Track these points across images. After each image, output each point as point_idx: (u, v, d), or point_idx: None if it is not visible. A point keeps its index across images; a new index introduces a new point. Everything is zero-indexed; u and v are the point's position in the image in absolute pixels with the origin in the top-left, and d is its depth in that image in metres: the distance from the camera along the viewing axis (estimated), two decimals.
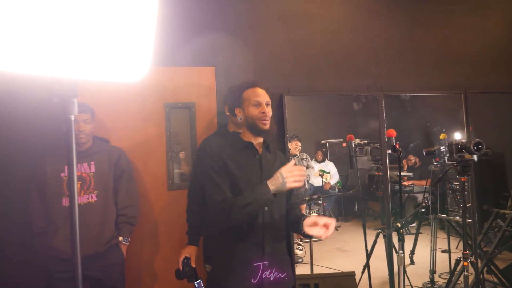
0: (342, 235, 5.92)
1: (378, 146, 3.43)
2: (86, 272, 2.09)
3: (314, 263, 3.68)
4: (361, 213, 5.79)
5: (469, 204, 3.39)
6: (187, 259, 2.26)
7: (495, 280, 3.77)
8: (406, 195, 6.01)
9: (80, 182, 2.15)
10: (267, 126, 1.80)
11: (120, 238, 2.30)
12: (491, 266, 3.74)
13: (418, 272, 4.18)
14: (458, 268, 3.16)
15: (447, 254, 3.91)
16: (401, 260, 2.46)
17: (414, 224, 5.23)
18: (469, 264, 2.47)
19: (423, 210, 4.26)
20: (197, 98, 2.78)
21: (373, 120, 3.18)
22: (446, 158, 3.65)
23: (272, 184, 1.66)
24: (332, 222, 1.69)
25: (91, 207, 2.18)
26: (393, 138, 2.83)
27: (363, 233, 3.35)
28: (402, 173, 6.29)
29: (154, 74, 2.68)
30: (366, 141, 6.32)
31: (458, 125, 3.44)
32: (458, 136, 4.16)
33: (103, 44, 0.99)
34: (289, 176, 1.63)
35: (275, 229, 1.81)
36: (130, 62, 1.07)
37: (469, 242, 3.13)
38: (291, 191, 1.93)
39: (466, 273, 2.47)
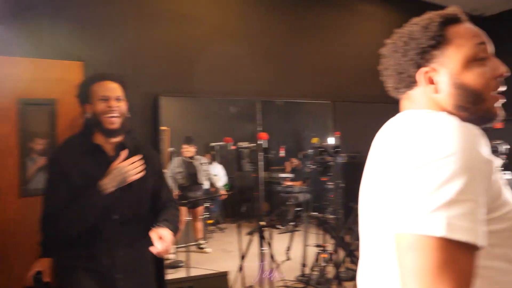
0: (228, 237, 6.02)
1: (255, 149, 3.58)
2: None
3: (198, 266, 3.66)
4: (246, 214, 5.97)
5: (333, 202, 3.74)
6: (38, 273, 2.03)
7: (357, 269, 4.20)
8: (287, 195, 6.39)
9: None
10: (115, 125, 1.60)
11: None
12: (353, 257, 4.17)
13: (293, 266, 4.44)
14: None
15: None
16: (264, 255, 2.58)
17: (294, 223, 5.58)
18: (329, 256, 2.70)
19: (298, 209, 4.56)
20: (61, 95, 2.54)
21: (249, 124, 3.30)
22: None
23: (110, 182, 1.52)
24: (167, 234, 1.55)
25: None
26: (266, 141, 2.97)
27: (245, 234, 3.44)
28: (284, 175, 6.68)
29: (6, 65, 2.37)
30: (254, 144, 6.56)
31: (327, 131, 3.78)
32: (328, 140, 4.56)
33: None
34: (130, 168, 1.54)
35: (131, 235, 1.65)
36: None
37: (333, 235, 3.44)
38: (159, 188, 1.79)
39: (324, 264, 2.69)
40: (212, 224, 6.21)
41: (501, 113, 0.87)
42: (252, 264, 3.59)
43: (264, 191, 6.32)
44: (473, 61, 0.84)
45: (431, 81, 0.87)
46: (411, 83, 0.90)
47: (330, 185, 4.61)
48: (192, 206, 4.41)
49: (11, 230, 2.38)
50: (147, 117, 2.84)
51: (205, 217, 5.91)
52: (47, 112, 2.49)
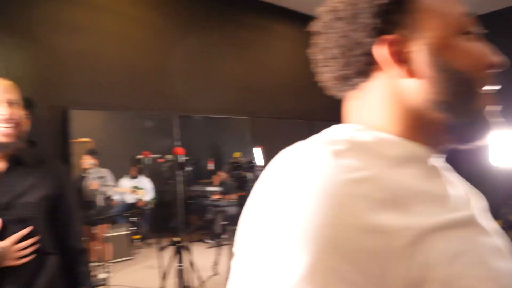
0: (154, 252, 5.86)
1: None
2: None
3: (121, 284, 3.52)
4: (176, 228, 5.84)
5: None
6: None
7: None
8: (217, 208, 6.38)
9: None
10: (10, 138, 1.33)
11: None
12: None
13: (221, 282, 4.43)
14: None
15: None
16: (180, 272, 2.56)
17: (226, 236, 5.58)
18: None
19: (225, 222, 4.57)
20: None
21: (166, 139, 3.28)
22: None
23: None
24: None
25: None
26: (181, 156, 2.97)
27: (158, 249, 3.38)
28: (211, 188, 6.68)
29: None
30: (188, 158, 6.48)
31: (248, 145, 3.87)
32: (252, 155, 4.66)
33: None
34: (13, 250, 1.27)
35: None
36: None
37: None
38: (68, 220, 1.53)
39: None
40: (139, 240, 6.00)
41: (493, 121, 0.56)
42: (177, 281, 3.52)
43: (191, 205, 6.25)
44: (460, 34, 0.54)
45: (400, 59, 0.53)
46: (367, 65, 0.55)
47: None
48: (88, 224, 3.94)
49: None
50: (57, 130, 2.71)
51: (132, 232, 5.72)
52: None
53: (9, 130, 1.32)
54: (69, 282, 1.52)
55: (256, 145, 3.72)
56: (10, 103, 1.34)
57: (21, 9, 2.61)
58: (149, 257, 5.49)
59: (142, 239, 6.03)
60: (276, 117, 3.93)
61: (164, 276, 3.22)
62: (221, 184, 6.92)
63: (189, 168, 2.97)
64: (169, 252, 3.40)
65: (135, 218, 5.81)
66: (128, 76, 3.07)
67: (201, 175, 5.72)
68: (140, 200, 6.20)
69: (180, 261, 2.65)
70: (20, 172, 1.42)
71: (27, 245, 1.31)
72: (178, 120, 3.25)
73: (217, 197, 6.42)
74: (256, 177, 3.56)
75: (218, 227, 5.85)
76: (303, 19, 4.31)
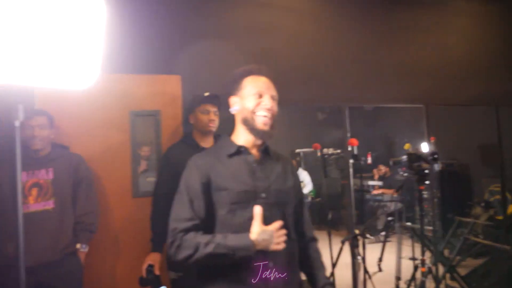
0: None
1: (343, 155, 3.52)
2: (42, 280, 2.06)
3: None
4: (334, 221, 5.87)
5: (431, 213, 3.50)
6: (150, 266, 2.25)
7: (458, 286, 3.88)
8: (377, 203, 6.14)
9: (37, 189, 2.12)
10: (267, 127, 1.49)
11: (78, 246, 2.27)
12: (454, 273, 3.85)
13: (385, 279, 4.26)
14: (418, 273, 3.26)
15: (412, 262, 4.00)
16: (358, 265, 2.51)
17: (384, 233, 5.35)
18: (428, 270, 2.54)
19: (389, 218, 4.36)
20: (163, 106, 2.79)
21: (337, 130, 3.26)
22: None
23: (259, 240, 1.36)
24: None
25: (48, 214, 2.14)
26: (355, 147, 2.91)
27: (333, 242, 3.40)
28: (373, 182, 6.44)
29: (118, 81, 2.68)
30: (339, 151, 6.45)
31: (419, 136, 3.56)
32: (422, 147, 4.30)
33: (47, 51, 1.00)
34: (278, 236, 1.38)
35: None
36: (77, 70, 1.08)
37: (430, 249, 3.22)
38: (300, 211, 1.62)
39: (424, 279, 2.53)
40: None
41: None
42: (342, 273, 3.52)
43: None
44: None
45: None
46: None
47: (425, 194, 4.32)
48: None
49: (126, 227, 2.66)
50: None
51: None
52: (153, 122, 2.75)
53: (268, 120, 1.49)
54: (304, 266, 1.60)
55: (430, 135, 3.41)
56: (272, 98, 1.53)
57: (213, 15, 2.96)
58: None
59: None
60: (455, 104, 3.52)
61: (333, 267, 3.23)
62: (380, 178, 6.64)
63: (359, 161, 2.89)
64: (337, 245, 3.40)
65: None
66: (299, 70, 3.16)
67: (360, 169, 5.57)
68: None
69: (355, 255, 2.61)
70: (270, 162, 1.56)
71: (285, 232, 1.41)
72: (347, 111, 3.20)
73: (379, 191, 6.18)
74: (434, 171, 3.25)
75: (379, 223, 5.62)
76: None
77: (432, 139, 3.53)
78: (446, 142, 3.63)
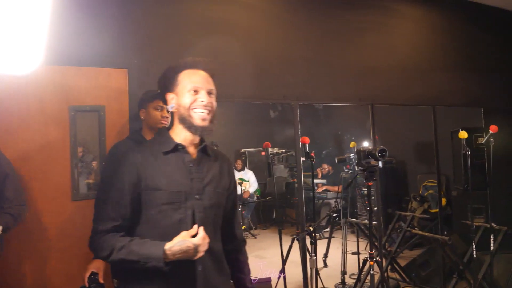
0: (261, 242, 6.00)
1: (294, 154, 3.54)
2: None
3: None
4: (278, 220, 5.97)
5: (375, 208, 3.65)
6: (94, 274, 2.06)
7: (398, 277, 4.10)
8: (321, 201, 6.32)
9: None
10: (206, 123, 1.43)
11: None
12: (394, 264, 4.06)
13: (331, 274, 4.37)
14: (365, 267, 3.38)
15: (357, 256, 4.16)
16: (313, 262, 2.53)
17: (327, 229, 5.50)
18: (375, 263, 2.63)
19: (335, 214, 4.49)
20: (107, 101, 2.60)
21: (288, 128, 3.28)
22: (355, 165, 3.90)
23: (174, 251, 1.30)
24: None
25: None
26: (307, 145, 2.93)
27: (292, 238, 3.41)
28: (316, 180, 6.62)
29: (58, 74, 2.45)
30: (283, 150, 6.54)
31: (366, 134, 3.71)
32: (366, 144, 4.48)
33: None
34: (203, 244, 1.33)
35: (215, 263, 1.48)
36: (18, 55, 0.95)
37: (375, 243, 3.35)
38: (234, 211, 1.62)
39: (372, 272, 2.62)
40: (244, 230, 6.21)
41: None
42: (291, 271, 3.54)
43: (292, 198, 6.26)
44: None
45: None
46: None
47: (365, 190, 4.53)
48: None
49: (65, 232, 2.43)
50: None
51: None
52: (96, 118, 2.55)
53: (206, 115, 1.43)
54: (232, 269, 1.60)
55: (375, 134, 3.55)
56: (209, 93, 1.45)
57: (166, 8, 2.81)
58: (255, 248, 5.66)
59: (247, 229, 6.24)
60: (397, 104, 3.70)
61: (284, 264, 3.24)
62: (323, 176, 6.85)
63: (311, 159, 2.93)
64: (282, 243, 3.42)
65: (240, 210, 5.98)
66: (251, 66, 3.12)
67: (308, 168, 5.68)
68: (246, 191, 6.42)
69: (309, 252, 2.63)
70: (207, 162, 1.50)
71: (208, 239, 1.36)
72: (298, 109, 3.22)
73: (321, 188, 6.36)
74: (382, 167, 3.39)
75: (323, 220, 5.78)
76: None
77: (376, 138, 3.68)
78: (386, 140, 3.81)
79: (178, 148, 1.45)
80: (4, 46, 0.90)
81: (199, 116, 1.42)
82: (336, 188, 5.94)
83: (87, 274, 2.03)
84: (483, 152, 3.98)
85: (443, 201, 4.47)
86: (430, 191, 4.93)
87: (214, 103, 1.47)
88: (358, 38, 3.63)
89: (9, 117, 2.33)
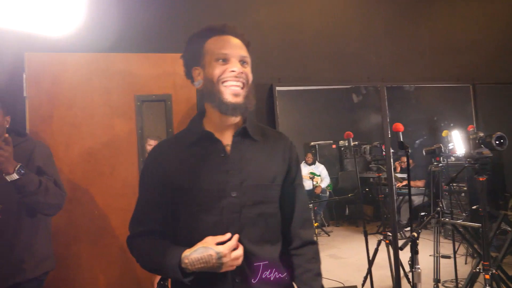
0: (334, 241, 5.60)
1: (378, 145, 3.11)
2: None
3: None
4: (352, 217, 5.49)
5: (475, 207, 3.10)
6: (163, 280, 1.91)
7: (504, 287, 3.50)
8: (401, 197, 5.74)
9: None
10: (239, 99, 1.13)
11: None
12: (499, 273, 3.47)
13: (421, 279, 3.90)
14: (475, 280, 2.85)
15: (447, 260, 3.61)
16: (418, 276, 2.12)
17: (408, 228, 4.96)
18: (491, 278, 2.14)
19: (423, 214, 3.97)
20: (174, 89, 2.39)
21: (373, 115, 2.86)
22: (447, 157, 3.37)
23: (193, 260, 1.06)
24: None
25: None
26: (400, 133, 2.47)
27: (354, 239, 3.07)
28: (398, 175, 6.03)
29: (122, 61, 2.29)
30: (356, 143, 6.06)
31: (465, 119, 3.14)
32: (455, 133, 3.87)
33: None
34: (232, 258, 1.06)
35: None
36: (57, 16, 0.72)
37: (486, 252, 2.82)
38: (293, 205, 1.25)
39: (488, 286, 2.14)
40: (316, 227, 5.86)
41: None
42: (373, 273, 3.16)
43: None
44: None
45: None
46: None
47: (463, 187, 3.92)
48: None
49: None
50: (263, 110, 2.59)
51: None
52: (163, 108, 2.36)
53: (239, 90, 1.13)
54: (294, 278, 1.23)
55: (479, 118, 2.99)
56: (243, 61, 1.17)
57: None
58: (329, 246, 5.28)
59: (319, 226, 5.88)
60: (505, 83, 3.11)
61: (370, 269, 2.86)
62: (402, 171, 6.24)
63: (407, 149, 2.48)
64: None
65: (312, 206, 5.64)
66: (328, 46, 2.77)
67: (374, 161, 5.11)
68: (318, 186, 6.05)
69: (413, 264, 2.22)
70: (249, 148, 1.20)
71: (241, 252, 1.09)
72: (385, 92, 2.79)
73: (401, 184, 5.79)
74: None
75: (403, 218, 5.25)
76: None
77: (470, 128, 3.12)
78: (488, 127, 3.21)
79: (205, 136, 1.17)
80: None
81: (231, 91, 1.12)
82: (419, 183, 5.35)
83: (157, 280, 1.92)
84: None
85: None
86: None
87: (250, 75, 1.17)
88: (452, 7, 3.08)
89: (75, 112, 2.22)
